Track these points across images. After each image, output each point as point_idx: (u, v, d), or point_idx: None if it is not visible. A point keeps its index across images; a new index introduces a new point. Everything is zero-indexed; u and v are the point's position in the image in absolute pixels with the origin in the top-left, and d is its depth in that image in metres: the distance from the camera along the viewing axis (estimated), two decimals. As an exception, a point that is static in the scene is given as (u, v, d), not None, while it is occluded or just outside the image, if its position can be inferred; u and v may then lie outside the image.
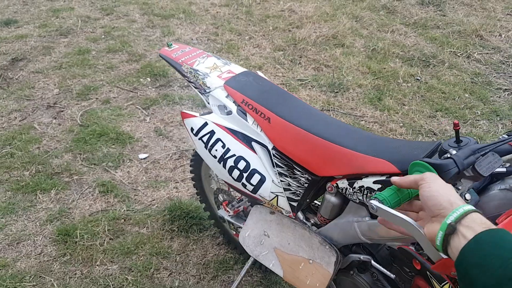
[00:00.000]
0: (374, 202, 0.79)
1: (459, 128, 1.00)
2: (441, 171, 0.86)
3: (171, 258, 2.21)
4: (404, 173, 1.11)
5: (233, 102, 1.54)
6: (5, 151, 2.86)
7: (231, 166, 1.50)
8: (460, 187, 0.92)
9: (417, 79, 3.73)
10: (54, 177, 2.68)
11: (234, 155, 1.49)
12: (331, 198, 1.37)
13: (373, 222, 1.25)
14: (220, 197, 2.03)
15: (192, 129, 1.59)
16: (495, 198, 0.98)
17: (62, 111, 3.30)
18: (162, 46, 4.17)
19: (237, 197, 2.01)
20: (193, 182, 2.17)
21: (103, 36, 4.41)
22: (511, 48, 4.20)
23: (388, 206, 0.79)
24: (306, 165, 1.37)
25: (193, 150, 2.39)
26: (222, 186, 2.04)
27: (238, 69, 1.70)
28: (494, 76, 3.77)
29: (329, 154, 1.30)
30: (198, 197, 2.21)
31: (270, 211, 1.59)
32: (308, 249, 1.46)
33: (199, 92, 1.64)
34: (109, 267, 2.16)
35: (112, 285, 2.07)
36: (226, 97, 1.56)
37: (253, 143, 1.48)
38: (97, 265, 2.16)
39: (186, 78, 1.67)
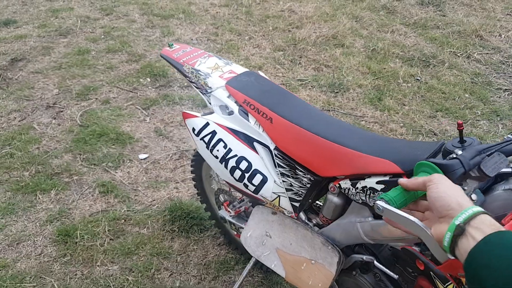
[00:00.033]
0: (380, 203, 0.79)
1: (463, 128, 1.00)
2: (447, 171, 0.86)
3: (172, 259, 2.20)
4: (407, 173, 1.11)
5: (235, 102, 1.53)
6: (4, 152, 2.85)
7: (232, 166, 1.49)
8: (465, 188, 0.91)
9: (417, 79, 3.73)
10: (54, 177, 2.67)
11: (236, 155, 1.49)
12: (334, 199, 1.36)
13: (376, 222, 1.25)
14: (221, 198, 2.02)
15: (193, 129, 1.59)
16: (499, 198, 0.97)
17: (61, 111, 3.29)
18: (162, 46, 4.18)
19: (238, 198, 2.01)
20: (194, 183, 2.16)
21: (102, 36, 4.41)
22: (511, 48, 4.21)
23: (394, 207, 0.78)
24: (309, 166, 1.36)
25: (194, 150, 2.39)
26: (223, 187, 2.04)
27: (239, 69, 1.69)
28: (494, 76, 3.77)
29: (331, 154, 1.30)
30: (199, 197, 2.20)
31: (272, 211, 1.59)
32: (311, 250, 1.45)
33: (201, 92, 1.63)
34: (109, 268, 2.15)
35: (113, 285, 2.06)
36: (228, 97, 1.55)
37: (255, 144, 1.48)
38: (98, 265, 2.16)
39: (188, 78, 1.66)
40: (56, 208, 2.47)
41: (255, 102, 1.48)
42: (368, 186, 1.18)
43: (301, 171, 1.38)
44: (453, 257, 0.70)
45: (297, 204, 1.45)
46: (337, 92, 3.55)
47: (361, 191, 1.21)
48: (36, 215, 2.43)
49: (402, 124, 3.17)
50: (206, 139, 1.55)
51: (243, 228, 1.84)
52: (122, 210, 2.45)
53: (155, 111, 3.32)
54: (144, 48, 4.18)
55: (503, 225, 0.86)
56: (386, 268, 1.33)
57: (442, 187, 0.73)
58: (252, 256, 1.65)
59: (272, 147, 1.44)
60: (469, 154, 0.89)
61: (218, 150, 1.52)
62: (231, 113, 1.53)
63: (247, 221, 1.69)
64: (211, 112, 1.60)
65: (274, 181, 1.45)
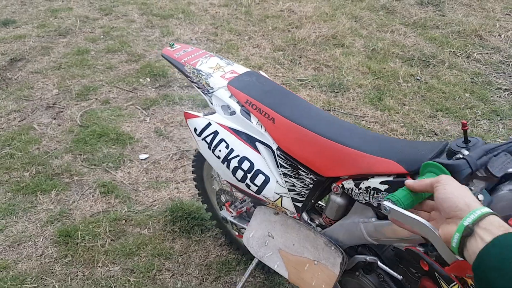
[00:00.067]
0: (388, 204, 0.78)
1: (468, 128, 0.99)
2: (453, 171, 0.85)
3: (173, 259, 2.20)
4: (411, 173, 1.10)
5: (237, 102, 1.53)
6: (4, 152, 2.84)
7: (235, 166, 1.49)
8: (472, 188, 0.91)
9: (417, 79, 3.73)
10: (54, 178, 2.66)
11: (238, 155, 1.48)
12: (337, 199, 1.36)
13: (379, 222, 1.25)
14: (223, 198, 2.02)
15: (195, 130, 1.58)
16: (504, 198, 0.97)
17: (61, 111, 3.28)
18: (161, 46, 4.17)
19: (239, 198, 2.00)
20: (195, 183, 2.16)
21: (102, 36, 4.40)
22: (510, 48, 4.21)
23: (402, 207, 0.78)
24: (311, 166, 1.35)
25: (195, 150, 2.38)
26: (225, 187, 2.03)
27: (241, 69, 1.69)
28: (494, 76, 3.77)
29: (334, 154, 1.29)
30: (200, 198, 2.20)
31: (274, 211, 1.58)
32: (313, 250, 1.45)
33: (202, 92, 1.63)
34: (110, 269, 2.14)
35: (114, 286, 2.06)
36: (230, 97, 1.55)
37: (257, 144, 1.47)
38: (99, 266, 2.15)
39: (189, 78, 1.66)
40: (56, 208, 2.46)
41: (257, 102, 1.47)
42: (371, 187, 1.18)
43: (303, 171, 1.37)
44: (461, 258, 0.69)
45: (299, 205, 1.45)
46: (337, 92, 3.54)
47: (365, 192, 1.20)
48: (37, 216, 2.42)
49: (402, 124, 3.17)
50: (208, 139, 1.54)
51: (245, 228, 1.84)
52: (123, 211, 2.45)
53: (155, 111, 3.31)
54: (143, 48, 4.17)
55: (510, 225, 0.85)
56: (389, 268, 1.32)
57: (449, 188, 0.73)
58: (254, 257, 1.64)
59: (274, 147, 1.43)
60: (476, 154, 0.89)
61: (220, 151, 1.51)
62: (233, 113, 1.53)
63: (248, 221, 1.68)
64: (213, 112, 1.59)
65: (277, 181, 1.44)
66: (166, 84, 3.65)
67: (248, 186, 1.49)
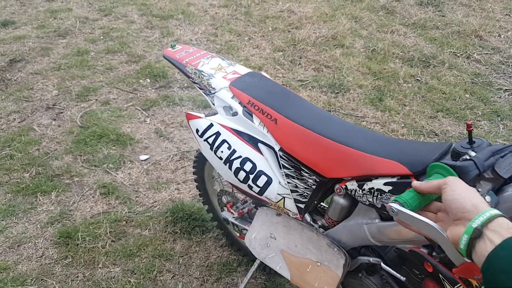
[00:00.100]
0: (395, 205, 0.78)
1: (472, 129, 0.99)
2: (461, 173, 0.85)
3: (174, 260, 2.19)
4: (415, 174, 1.10)
5: (239, 103, 1.52)
6: (4, 153, 2.83)
7: (237, 167, 1.48)
8: (479, 189, 0.90)
9: (418, 79, 3.72)
10: (54, 179, 2.65)
11: (240, 156, 1.47)
12: (340, 200, 1.35)
13: (383, 224, 1.24)
14: (224, 199, 2.01)
15: (197, 131, 1.58)
16: (510, 199, 0.96)
17: (61, 112, 3.27)
18: (161, 47, 4.17)
19: (241, 199, 2.00)
20: (196, 184, 2.15)
21: (101, 37, 4.39)
22: (510, 48, 4.21)
23: (409, 209, 0.77)
24: (314, 167, 1.35)
25: (196, 151, 2.38)
26: (226, 188, 2.02)
27: (243, 69, 1.68)
28: (494, 77, 3.78)
29: (337, 155, 1.29)
30: (201, 198, 2.19)
31: (276, 213, 1.58)
32: (316, 252, 1.44)
33: (204, 93, 1.62)
34: (111, 270, 2.14)
35: (115, 287, 2.05)
36: (232, 98, 1.54)
37: (260, 145, 1.47)
38: (99, 267, 2.14)
39: (191, 79, 1.65)
40: (57, 210, 2.45)
41: (259, 103, 1.47)
42: (375, 188, 1.17)
43: (306, 172, 1.37)
44: (469, 260, 0.69)
45: (302, 206, 1.44)
46: (337, 93, 3.54)
47: (368, 193, 1.20)
48: (37, 217, 2.41)
49: (403, 125, 3.17)
50: (210, 140, 1.54)
51: (246, 229, 1.83)
52: (123, 212, 2.44)
53: (155, 112, 3.30)
54: (143, 49, 4.17)
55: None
56: (392, 270, 1.32)
57: (457, 190, 0.73)
58: (256, 258, 1.64)
59: (277, 148, 1.42)
60: (483, 156, 0.88)
61: (222, 151, 1.51)
62: (235, 114, 1.52)
63: (250, 222, 1.68)
64: (215, 113, 1.58)
65: (279, 182, 1.44)
66: (166, 85, 3.64)
67: (250, 187, 1.48)
